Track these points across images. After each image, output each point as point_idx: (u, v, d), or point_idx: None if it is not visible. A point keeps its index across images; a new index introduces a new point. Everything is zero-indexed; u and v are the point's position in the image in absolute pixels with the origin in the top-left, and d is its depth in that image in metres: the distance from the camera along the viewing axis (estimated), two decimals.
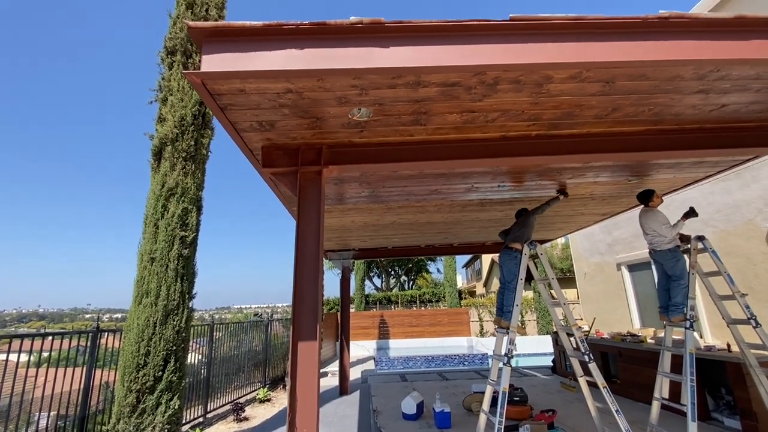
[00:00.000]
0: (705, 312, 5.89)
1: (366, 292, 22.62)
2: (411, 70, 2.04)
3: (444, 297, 22.00)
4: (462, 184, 4.24)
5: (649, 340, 6.19)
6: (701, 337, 5.96)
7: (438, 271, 32.53)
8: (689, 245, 4.39)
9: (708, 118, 2.99)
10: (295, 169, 2.91)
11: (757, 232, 5.24)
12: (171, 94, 4.82)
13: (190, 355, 6.34)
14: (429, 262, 30.95)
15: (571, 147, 3.13)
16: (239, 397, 7.39)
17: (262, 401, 7.39)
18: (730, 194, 5.61)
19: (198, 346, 6.71)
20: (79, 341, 4.18)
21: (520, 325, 3.94)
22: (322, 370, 10.58)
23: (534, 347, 14.71)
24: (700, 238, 4.35)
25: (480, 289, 31.47)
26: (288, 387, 2.52)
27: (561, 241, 24.08)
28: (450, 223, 6.21)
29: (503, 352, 3.89)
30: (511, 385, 5.52)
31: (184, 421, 5.70)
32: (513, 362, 3.81)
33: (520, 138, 3.08)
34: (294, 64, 2.00)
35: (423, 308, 21.68)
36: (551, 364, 9.35)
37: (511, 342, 3.88)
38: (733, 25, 2.21)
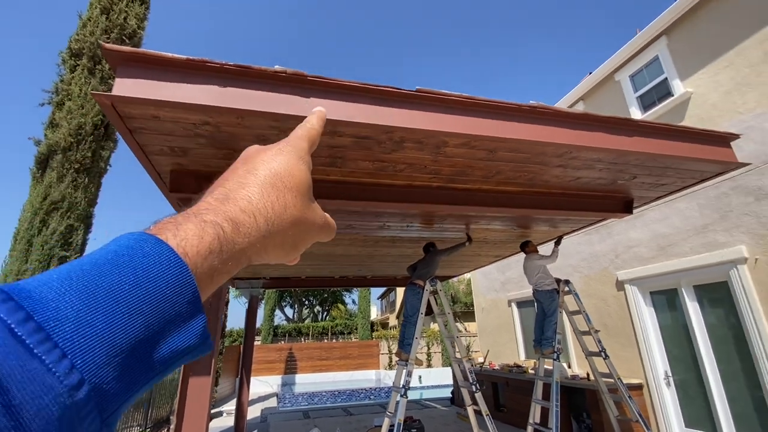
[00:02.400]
0: (573, 345, 6.87)
1: (275, 323, 21.53)
2: (328, 121, 2.25)
3: (356, 329, 21.92)
4: (375, 221, 4.52)
5: (530, 371, 6.97)
6: (569, 367, 6.91)
7: (353, 302, 32.42)
8: (558, 287, 5.19)
9: (568, 186, 3.72)
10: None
11: (610, 278, 6.40)
12: (70, 99, 4.39)
13: None
14: (345, 292, 30.76)
15: (466, 199, 3.61)
16: None
17: None
18: (592, 246, 6.81)
19: None
20: None
21: (417, 357, 4.19)
22: (218, 409, 9.68)
23: (439, 379, 15.32)
24: (567, 282, 5.19)
25: (393, 320, 31.98)
26: (173, 427, 2.37)
27: (467, 276, 25.99)
28: (363, 257, 6.44)
29: (401, 384, 4.10)
30: (409, 417, 5.73)
31: None
32: (418, 395, 4.02)
33: (424, 188, 3.47)
34: (215, 100, 2.08)
35: (335, 340, 21.27)
36: (451, 395, 9.86)
37: (409, 374, 4.12)
38: (582, 119, 2.87)
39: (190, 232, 0.26)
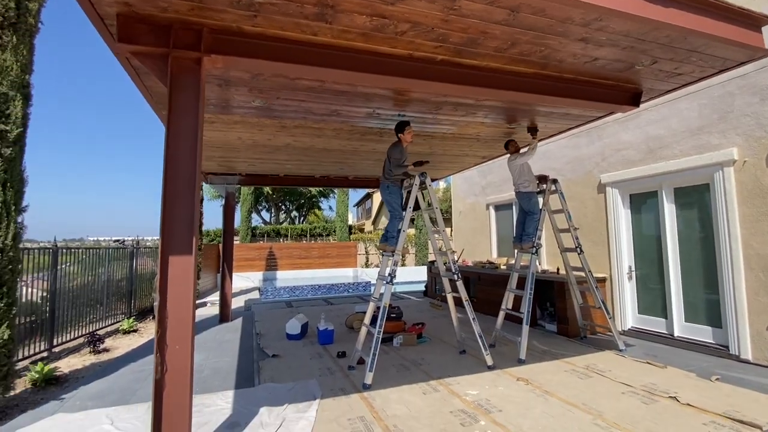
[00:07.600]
0: (544, 243, 7.19)
1: (253, 225, 21.66)
2: None
3: (335, 231, 22.48)
4: (363, 107, 4.09)
5: (502, 267, 7.38)
6: (539, 263, 7.35)
7: (330, 208, 32.76)
8: (545, 186, 5.15)
9: (581, 70, 3.36)
10: (165, 51, 2.36)
11: (592, 181, 6.45)
12: None
13: (27, 289, 5.25)
14: (322, 198, 30.83)
15: (471, 79, 3.22)
16: (97, 330, 6.56)
17: (126, 332, 6.71)
18: (578, 149, 6.70)
19: (34, 279, 5.56)
20: None
21: (404, 247, 4.37)
22: (200, 300, 10.03)
23: (411, 277, 16.40)
24: (555, 182, 5.14)
25: (369, 226, 32.99)
26: (156, 302, 2.25)
27: (442, 185, 26.41)
28: (347, 153, 6.09)
29: (387, 273, 4.16)
30: (389, 305, 6.05)
31: (21, 357, 4.84)
32: (392, 289, 4.10)
33: (426, 60, 3.02)
34: None
35: (313, 241, 21.89)
36: (424, 288, 10.58)
37: (396, 263, 4.16)
38: None
39: None
